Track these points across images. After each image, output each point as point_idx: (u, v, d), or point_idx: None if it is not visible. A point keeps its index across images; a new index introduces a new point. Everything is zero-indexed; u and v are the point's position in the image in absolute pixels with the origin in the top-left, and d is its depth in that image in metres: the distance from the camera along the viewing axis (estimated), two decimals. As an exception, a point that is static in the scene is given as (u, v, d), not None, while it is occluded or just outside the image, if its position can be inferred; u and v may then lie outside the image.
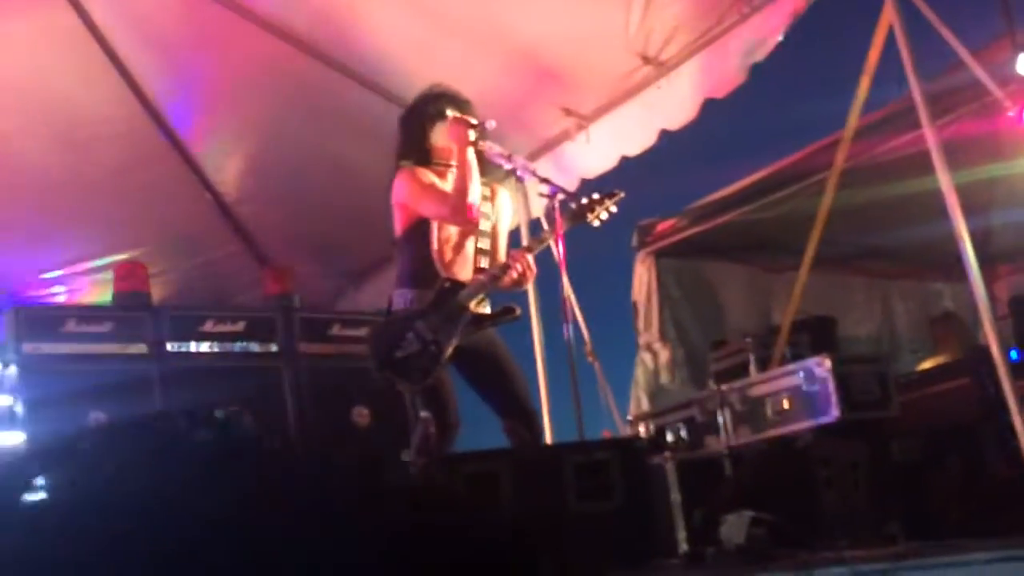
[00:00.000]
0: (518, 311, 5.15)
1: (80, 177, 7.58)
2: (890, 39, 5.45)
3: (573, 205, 5.08)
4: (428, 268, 4.99)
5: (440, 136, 5.08)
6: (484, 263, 5.07)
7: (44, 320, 6.34)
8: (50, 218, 7.76)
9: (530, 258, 4.98)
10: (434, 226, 5.01)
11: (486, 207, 5.14)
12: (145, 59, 7.27)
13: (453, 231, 5.06)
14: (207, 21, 6.87)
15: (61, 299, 8.11)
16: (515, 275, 4.96)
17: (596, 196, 5.10)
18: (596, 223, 5.08)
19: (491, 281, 5.00)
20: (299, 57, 7.01)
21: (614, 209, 5.12)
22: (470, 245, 5.07)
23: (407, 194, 5.03)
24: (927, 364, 7.58)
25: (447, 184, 5.04)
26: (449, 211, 4.95)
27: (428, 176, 5.04)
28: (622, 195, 5.15)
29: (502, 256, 5.18)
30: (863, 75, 5.80)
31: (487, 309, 5.03)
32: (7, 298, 7.50)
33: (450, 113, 5.05)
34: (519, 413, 5.01)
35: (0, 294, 7.65)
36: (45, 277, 8.11)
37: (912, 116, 5.65)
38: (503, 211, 5.27)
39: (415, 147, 5.11)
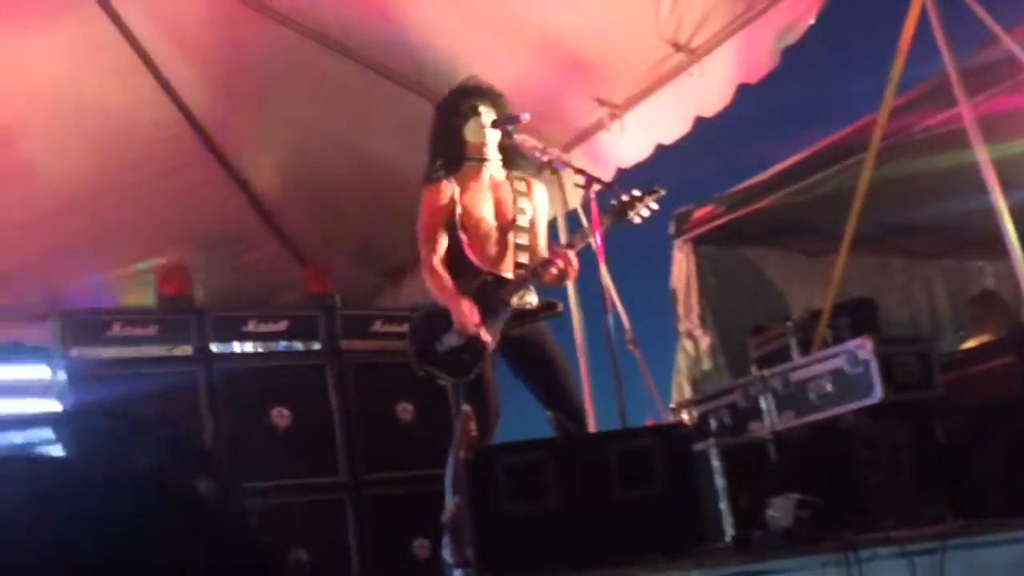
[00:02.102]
0: (560, 307, 5.18)
1: (120, 182, 7.66)
2: (923, 17, 5.43)
3: (614, 202, 5.10)
4: (464, 264, 5.03)
5: (472, 133, 5.12)
6: (523, 258, 5.10)
7: (89, 325, 6.41)
8: (92, 223, 7.84)
9: (572, 254, 5.01)
10: (460, 225, 5.07)
11: (523, 202, 5.18)
12: (179, 63, 7.33)
13: (491, 225, 5.10)
14: (238, 23, 6.92)
15: (106, 303, 8.19)
16: (555, 271, 4.99)
17: (636, 193, 5.11)
18: (637, 220, 5.10)
19: (532, 276, 5.04)
20: (331, 56, 7.05)
21: (655, 206, 5.15)
22: (509, 240, 5.11)
23: (419, 220, 5.14)
24: (970, 343, 7.53)
25: (480, 182, 5.09)
26: (426, 275, 5.10)
27: (444, 200, 5.09)
28: (662, 192, 5.16)
29: (542, 250, 5.21)
30: (897, 54, 5.78)
31: (533, 301, 5.07)
32: (53, 303, 7.58)
33: (483, 110, 5.09)
34: (565, 405, 5.04)
35: (46, 300, 7.73)
36: (89, 281, 8.19)
37: (947, 93, 5.63)
38: (540, 205, 5.30)
39: (448, 145, 5.15)
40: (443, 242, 5.09)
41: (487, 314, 4.93)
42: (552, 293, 5.30)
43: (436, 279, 5.06)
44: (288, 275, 8.50)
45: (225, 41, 7.12)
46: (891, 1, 5.90)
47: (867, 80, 6.90)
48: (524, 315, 5.06)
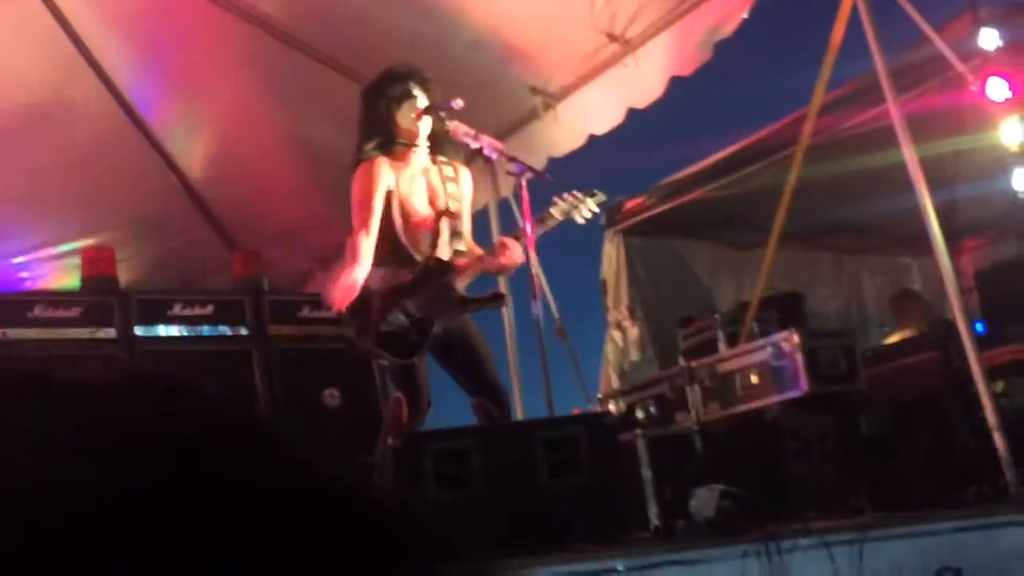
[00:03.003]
0: (507, 298, 5.17)
1: (45, 161, 7.53)
2: (855, 15, 5.48)
3: (558, 200, 5.10)
4: (399, 249, 5.00)
5: (404, 117, 5.08)
6: (460, 245, 5.09)
7: (12, 306, 6.30)
8: (16, 203, 7.71)
9: (517, 245, 5.00)
10: (396, 210, 5.03)
11: (452, 188, 5.15)
12: (109, 41, 7.22)
13: (424, 211, 5.07)
14: (171, 3, 6.83)
15: (28, 285, 8.06)
16: (504, 261, 4.98)
17: (578, 195, 5.12)
18: (581, 220, 5.12)
19: (479, 264, 5.03)
20: (265, 39, 6.98)
21: (596, 209, 5.17)
22: (443, 226, 5.09)
23: (353, 195, 5.07)
24: (893, 339, 7.63)
25: (410, 167, 5.06)
26: (351, 251, 5.02)
27: (380, 176, 5.03)
28: (603, 197, 5.18)
29: (467, 235, 5.20)
30: (828, 51, 5.83)
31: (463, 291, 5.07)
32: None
33: (416, 94, 5.06)
34: (488, 391, 5.03)
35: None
36: (13, 262, 8.06)
37: (876, 91, 5.69)
38: (467, 191, 5.28)
39: (379, 129, 5.10)
40: (375, 220, 5.03)
41: (432, 299, 4.91)
42: (479, 280, 5.29)
43: (354, 247, 5.01)
44: (216, 259, 8.41)
45: (156, 18, 7.02)
46: (823, -1, 5.95)
47: (798, 76, 6.97)
48: (469, 302, 5.05)
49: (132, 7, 6.96)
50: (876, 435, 6.05)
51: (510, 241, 5.00)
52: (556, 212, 5.08)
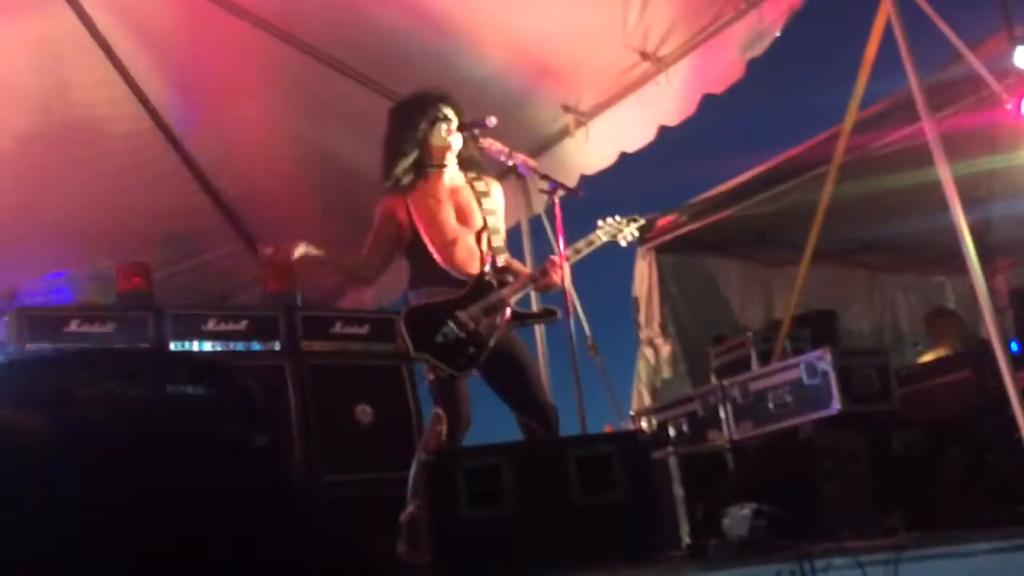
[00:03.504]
0: (559, 314, 5.19)
1: (82, 178, 7.60)
2: (888, 33, 5.47)
3: (602, 224, 5.16)
4: (437, 272, 5.04)
5: (437, 137, 5.12)
6: (501, 260, 5.12)
7: (47, 321, 6.33)
8: (51, 219, 7.77)
9: (566, 264, 5.05)
10: (425, 236, 5.08)
11: (488, 203, 5.18)
12: (144, 59, 7.27)
13: (455, 231, 5.10)
14: (205, 20, 6.87)
15: (64, 300, 8.11)
16: (555, 278, 5.03)
17: (620, 219, 5.18)
18: (623, 243, 5.19)
19: (531, 281, 5.08)
20: (298, 55, 7.01)
21: (636, 233, 5.26)
22: (474, 241, 5.11)
23: (373, 224, 5.25)
24: (926, 357, 7.59)
25: (439, 190, 5.11)
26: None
27: (391, 217, 5.18)
28: (643, 222, 5.27)
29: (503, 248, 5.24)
30: (861, 69, 5.82)
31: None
32: (11, 300, 7.50)
33: (449, 115, 5.10)
34: (535, 410, 5.04)
35: (4, 296, 7.65)
36: (48, 278, 8.11)
37: (911, 109, 5.67)
38: (499, 205, 5.31)
39: (408, 152, 5.14)
40: (376, 253, 5.26)
41: (485, 312, 4.95)
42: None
43: (360, 268, 5.37)
44: (248, 274, 8.45)
45: (192, 38, 7.07)
46: (856, 16, 5.94)
47: (831, 94, 6.95)
48: (522, 316, 5.09)
49: (166, 25, 7.01)
50: (909, 455, 6.00)
51: (558, 261, 5.04)
52: (602, 235, 5.14)
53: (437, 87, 5.25)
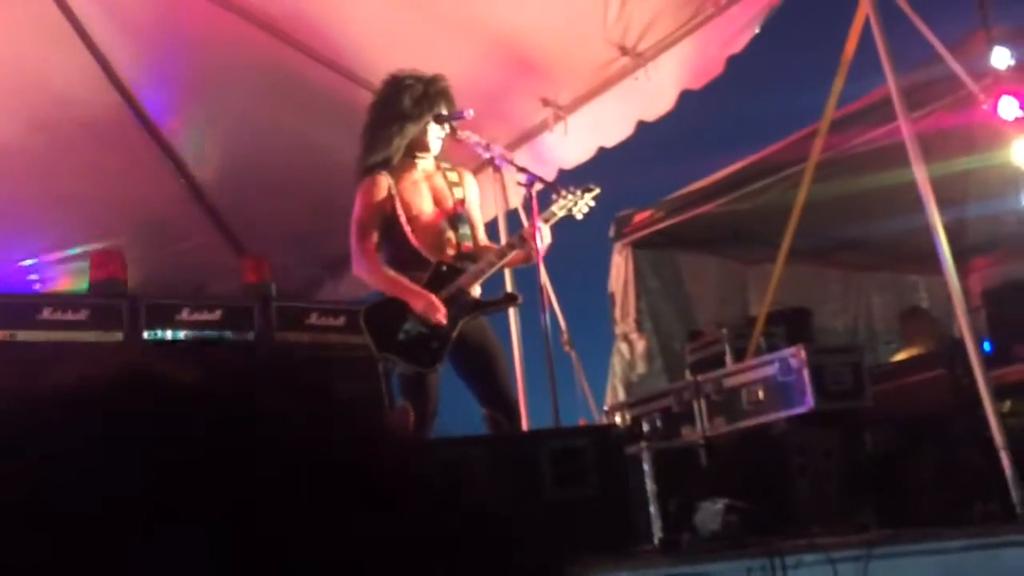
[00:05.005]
0: (520, 299, 5.16)
1: (56, 164, 7.54)
2: (866, 32, 5.48)
3: (556, 197, 5.11)
4: (412, 254, 5.00)
5: (419, 127, 5.08)
6: (468, 245, 5.09)
7: (20, 308, 6.30)
8: (26, 206, 7.72)
9: (545, 227, 5.00)
10: (402, 216, 5.04)
11: (459, 192, 5.16)
12: (120, 44, 7.23)
13: (431, 215, 5.08)
14: (183, 9, 6.84)
15: (37, 287, 8.07)
16: (523, 253, 5.00)
17: (575, 190, 5.13)
18: (579, 216, 5.13)
19: (498, 259, 5.02)
20: (276, 45, 6.99)
21: (592, 204, 5.16)
22: (449, 230, 5.09)
23: (354, 211, 5.14)
24: (900, 356, 7.62)
25: (414, 173, 5.07)
26: (356, 266, 5.12)
27: (379, 194, 5.06)
28: (598, 190, 5.18)
29: (482, 239, 5.21)
30: (839, 68, 5.84)
31: (477, 294, 5.06)
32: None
33: (430, 105, 5.06)
34: (500, 402, 5.03)
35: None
36: (22, 265, 8.07)
37: (888, 109, 5.70)
38: (474, 195, 5.29)
39: (387, 138, 5.09)
40: (375, 236, 5.08)
41: (445, 304, 4.91)
42: (491, 290, 5.29)
43: (379, 272, 5.04)
44: (225, 264, 8.41)
45: (168, 24, 7.03)
46: (835, 15, 5.96)
47: (809, 92, 6.97)
48: (482, 305, 5.05)
49: (145, 12, 6.97)
50: (881, 452, 6.03)
51: (533, 227, 5.00)
52: (556, 209, 5.09)
53: (417, 74, 5.17)
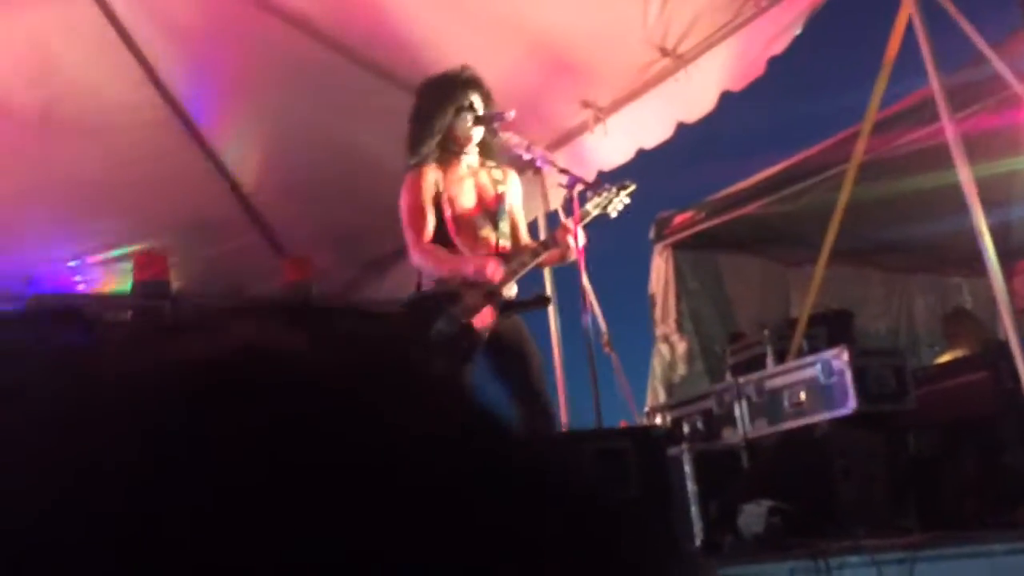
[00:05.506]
0: (550, 300, 5.14)
1: (100, 166, 7.60)
2: (909, 32, 5.45)
3: (589, 193, 5.09)
4: (453, 251, 5.00)
5: (460, 125, 5.09)
6: (506, 241, 5.08)
7: (64, 308, 6.37)
8: (70, 208, 7.79)
9: (579, 228, 4.98)
10: (447, 211, 5.04)
11: (501, 189, 5.16)
12: (164, 49, 7.28)
13: (474, 213, 5.08)
14: (225, 12, 6.89)
15: (82, 288, 8.15)
16: (557, 254, 4.98)
17: (609, 187, 5.11)
18: (614, 214, 5.10)
19: (532, 258, 5.01)
20: (316, 47, 7.02)
21: (628, 200, 5.14)
22: (488, 227, 5.09)
23: (403, 205, 5.11)
24: (943, 358, 7.57)
25: (459, 170, 5.08)
26: (415, 257, 5.04)
27: (428, 186, 5.05)
28: (633, 187, 5.16)
29: (523, 239, 5.20)
30: (882, 68, 5.80)
31: (513, 293, 5.05)
32: (29, 287, 7.53)
33: (471, 102, 5.06)
34: (535, 401, 5.01)
35: (23, 282, 7.68)
36: (67, 266, 8.14)
37: (931, 109, 5.65)
38: (517, 194, 5.29)
39: (431, 134, 5.10)
40: (431, 223, 5.05)
41: (475, 305, 4.89)
42: (528, 291, 5.29)
43: (432, 255, 5.01)
44: (266, 265, 8.46)
45: (210, 27, 7.07)
46: (878, 15, 5.92)
47: (851, 93, 6.94)
48: (513, 305, 5.03)
49: (187, 14, 7.02)
50: (925, 455, 5.99)
51: (564, 226, 4.98)
52: (591, 207, 5.06)
53: (467, 70, 5.20)
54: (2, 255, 7.88)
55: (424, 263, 5.04)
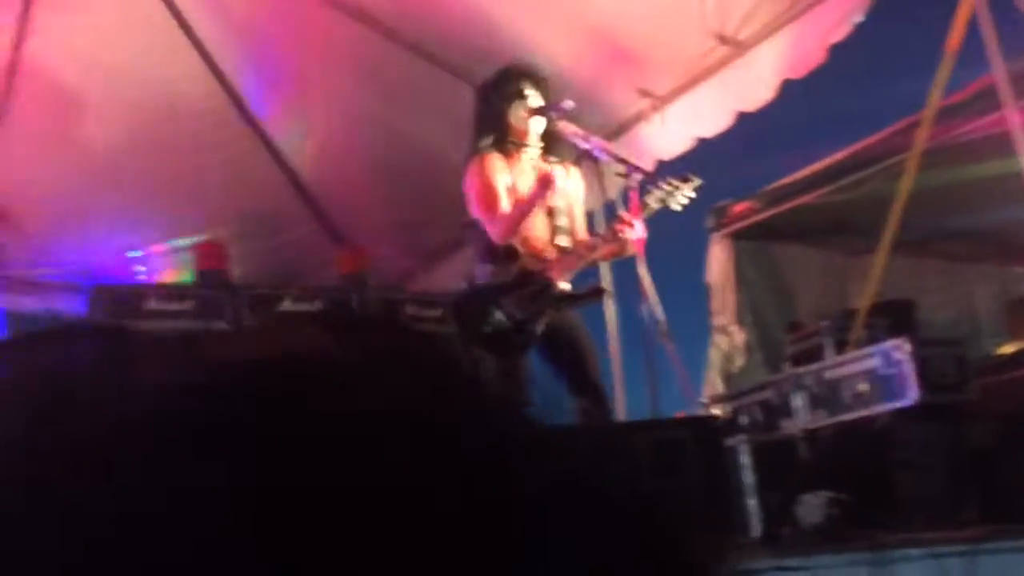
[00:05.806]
0: (607, 292, 5.13)
1: (161, 158, 7.69)
2: (973, 18, 5.38)
3: (651, 187, 5.07)
4: (508, 245, 5.00)
5: (516, 116, 5.09)
6: (563, 241, 5.08)
7: (127, 297, 6.45)
8: (132, 198, 7.88)
9: (638, 221, 4.96)
10: (509, 198, 5.04)
11: (561, 183, 5.15)
12: (224, 41, 7.36)
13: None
14: (284, 4, 6.94)
15: (143, 278, 8.24)
16: (615, 246, 4.97)
17: (673, 181, 5.09)
18: (677, 207, 5.08)
19: (587, 253, 5.00)
20: (374, 38, 7.05)
21: (692, 195, 5.11)
22: (544, 222, 5.08)
23: (472, 189, 5.08)
24: (1006, 349, 7.48)
25: (521, 164, 5.08)
26: (497, 230, 4.99)
27: (497, 170, 5.04)
28: (699, 182, 5.13)
29: (580, 233, 5.20)
30: (945, 55, 5.73)
31: (568, 287, 5.04)
32: (91, 276, 7.63)
33: (529, 94, 5.07)
34: (592, 392, 5.01)
35: (85, 272, 7.79)
36: (129, 256, 8.24)
37: (994, 97, 5.58)
38: (577, 191, 5.29)
39: (492, 126, 5.13)
40: (503, 198, 5.02)
41: (532, 296, 4.90)
42: (586, 282, 5.28)
43: (507, 217, 4.99)
44: (323, 255, 8.52)
45: (269, 19, 7.13)
46: (941, 2, 5.84)
47: (913, 81, 6.86)
48: (568, 298, 5.02)
49: (246, 6, 7.08)
50: (986, 447, 5.92)
51: (626, 215, 4.97)
52: (652, 200, 5.04)
53: (520, 63, 5.21)
54: (65, 245, 8.00)
55: (507, 230, 4.98)
